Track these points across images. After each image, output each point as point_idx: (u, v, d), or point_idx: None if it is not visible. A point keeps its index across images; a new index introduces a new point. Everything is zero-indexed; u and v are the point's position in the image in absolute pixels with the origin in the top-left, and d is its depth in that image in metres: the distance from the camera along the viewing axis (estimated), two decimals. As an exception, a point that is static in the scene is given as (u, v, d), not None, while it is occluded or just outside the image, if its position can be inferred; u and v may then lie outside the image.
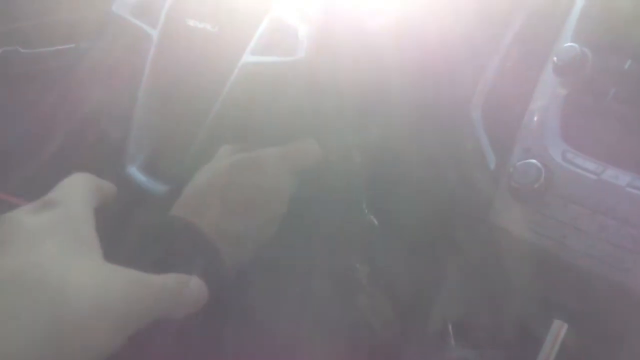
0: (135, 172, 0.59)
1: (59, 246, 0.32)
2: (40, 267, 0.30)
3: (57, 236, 0.32)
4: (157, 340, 0.36)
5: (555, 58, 0.53)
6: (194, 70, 0.59)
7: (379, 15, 0.55)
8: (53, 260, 0.31)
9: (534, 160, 0.50)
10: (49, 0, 0.70)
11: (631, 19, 0.52)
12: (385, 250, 0.63)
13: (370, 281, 0.64)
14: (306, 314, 0.57)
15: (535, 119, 0.54)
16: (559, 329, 0.45)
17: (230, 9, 0.58)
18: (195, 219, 0.44)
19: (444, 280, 0.58)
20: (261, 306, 0.53)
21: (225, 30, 0.58)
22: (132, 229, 0.38)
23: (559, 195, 0.49)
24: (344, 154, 0.57)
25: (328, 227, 0.58)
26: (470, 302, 0.56)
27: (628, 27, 0.52)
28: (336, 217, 0.59)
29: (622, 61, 0.51)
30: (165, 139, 0.61)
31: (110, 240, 0.35)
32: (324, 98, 0.52)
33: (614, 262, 0.45)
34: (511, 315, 0.53)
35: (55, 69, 0.72)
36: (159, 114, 0.61)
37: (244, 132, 0.54)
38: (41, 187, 0.62)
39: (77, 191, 0.37)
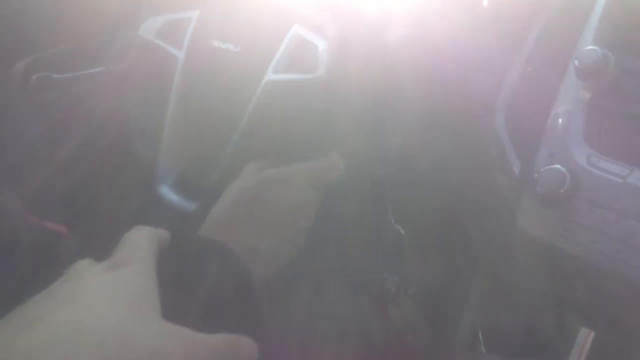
0: (166, 191, 0.61)
1: (120, 305, 0.34)
2: (101, 325, 0.32)
3: (119, 296, 0.34)
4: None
5: (576, 62, 0.52)
6: (219, 89, 0.60)
7: (396, 28, 0.56)
8: (113, 319, 0.33)
9: (558, 166, 0.50)
10: (78, 26, 0.73)
11: (652, 20, 0.52)
12: (413, 258, 0.63)
13: (399, 290, 0.64)
14: (335, 324, 0.58)
15: (559, 123, 0.53)
16: (586, 337, 0.45)
17: (252, 29, 0.59)
18: (224, 238, 0.45)
19: (471, 288, 0.58)
20: (288, 317, 0.54)
21: (248, 50, 0.59)
22: (162, 250, 0.39)
23: (585, 199, 0.49)
24: (367, 166, 0.58)
25: (355, 238, 0.59)
26: (499, 309, 0.56)
27: (649, 28, 0.52)
28: (362, 228, 0.59)
29: (644, 63, 0.51)
30: (194, 158, 0.62)
31: None
32: (345, 112, 0.53)
33: (642, 266, 0.45)
34: (540, 321, 0.53)
35: (87, 92, 0.74)
36: (187, 133, 0.62)
37: (269, 149, 0.55)
38: (77, 210, 0.64)
39: (140, 251, 0.38)
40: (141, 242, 0.39)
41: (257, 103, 0.56)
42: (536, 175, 0.51)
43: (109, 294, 0.34)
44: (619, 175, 0.48)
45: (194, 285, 0.40)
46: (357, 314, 0.61)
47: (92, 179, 0.64)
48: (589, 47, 0.52)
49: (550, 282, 0.51)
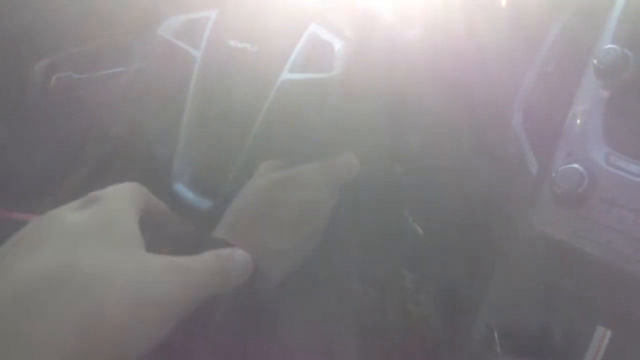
0: (181, 189, 0.61)
1: (97, 241, 0.31)
2: (75, 264, 0.30)
3: (95, 231, 0.32)
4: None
5: (595, 60, 0.52)
6: (236, 88, 0.61)
7: (413, 28, 0.56)
8: (89, 256, 0.30)
9: (576, 165, 0.50)
10: (98, 26, 0.74)
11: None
12: (430, 257, 0.63)
13: (417, 288, 0.64)
14: (353, 322, 0.58)
15: (577, 122, 0.53)
16: (602, 336, 0.44)
17: (269, 28, 0.60)
18: (239, 238, 0.45)
19: (488, 287, 0.57)
20: (304, 316, 0.54)
21: (264, 49, 0.59)
22: (176, 250, 0.39)
23: (603, 199, 0.48)
24: (383, 166, 0.58)
25: (372, 237, 0.59)
26: (515, 309, 0.55)
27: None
28: (380, 227, 0.59)
29: (664, 61, 0.50)
30: (210, 156, 0.63)
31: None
32: (361, 112, 0.53)
33: (661, 266, 0.44)
34: (557, 321, 0.52)
35: (107, 92, 0.75)
36: (204, 132, 0.63)
37: (285, 148, 0.56)
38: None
39: (122, 191, 0.36)
40: (124, 187, 0.36)
41: (273, 102, 0.57)
42: (554, 174, 0.50)
43: (80, 232, 0.31)
44: (638, 174, 0.48)
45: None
46: (375, 312, 0.61)
47: (109, 176, 0.65)
48: (608, 45, 0.52)
49: (567, 282, 0.51)
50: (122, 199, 0.35)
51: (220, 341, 0.40)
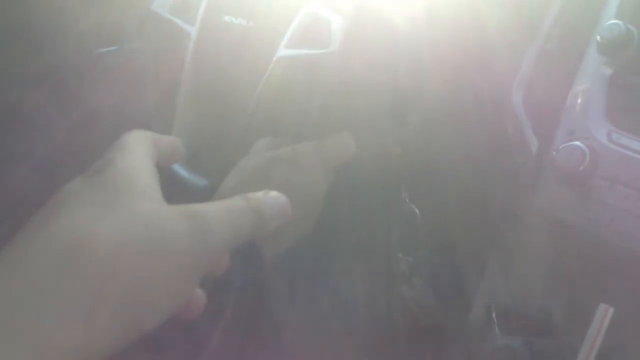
0: (178, 168, 0.60)
1: (91, 205, 0.29)
2: (74, 235, 0.28)
3: (91, 196, 0.29)
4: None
5: (598, 37, 0.51)
6: (232, 65, 0.60)
7: (412, 6, 0.55)
8: (90, 223, 0.28)
9: (577, 142, 0.49)
10: (91, 4, 0.72)
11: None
12: (428, 239, 0.63)
13: (412, 271, 0.64)
14: (346, 305, 0.57)
15: (579, 100, 0.52)
16: (605, 313, 0.44)
17: (265, 3, 0.59)
18: None
19: (486, 268, 0.57)
20: (298, 299, 0.53)
21: (261, 25, 0.58)
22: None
23: (605, 177, 0.48)
24: (380, 146, 0.57)
25: (368, 219, 0.58)
26: (514, 289, 0.55)
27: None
28: (376, 208, 0.59)
29: (669, 37, 0.49)
30: (206, 134, 0.62)
31: None
32: (358, 90, 0.52)
33: (664, 244, 0.44)
34: (558, 300, 0.52)
35: (101, 71, 0.74)
36: (200, 109, 0.62)
37: (281, 126, 0.55)
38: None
39: (128, 148, 0.33)
40: (128, 142, 0.33)
41: (269, 79, 0.55)
42: (554, 152, 0.50)
43: (84, 201, 0.29)
44: (641, 152, 0.47)
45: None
46: (369, 296, 0.60)
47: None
48: (611, 21, 0.51)
49: (568, 261, 0.51)
50: (126, 157, 0.32)
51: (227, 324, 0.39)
